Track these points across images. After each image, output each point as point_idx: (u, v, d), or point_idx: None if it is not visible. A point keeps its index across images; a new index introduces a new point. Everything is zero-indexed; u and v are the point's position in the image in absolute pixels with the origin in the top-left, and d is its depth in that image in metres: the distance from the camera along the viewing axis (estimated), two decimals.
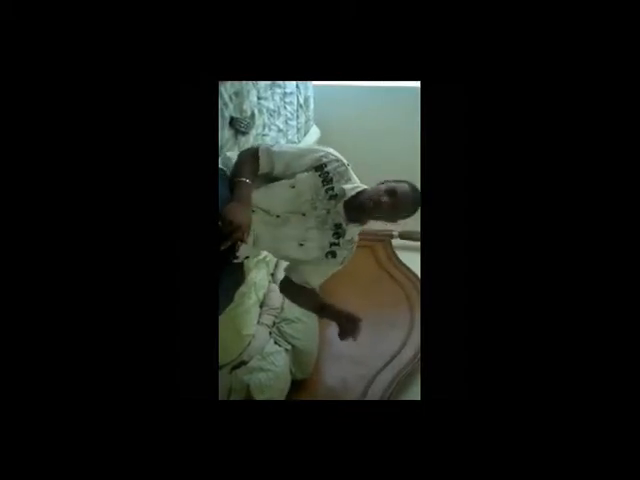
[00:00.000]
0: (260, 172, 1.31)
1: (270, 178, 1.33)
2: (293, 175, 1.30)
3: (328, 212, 1.32)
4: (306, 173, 1.30)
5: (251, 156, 1.31)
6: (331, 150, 1.35)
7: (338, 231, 1.34)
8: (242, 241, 1.14)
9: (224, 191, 1.29)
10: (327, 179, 1.30)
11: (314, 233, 1.33)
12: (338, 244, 1.35)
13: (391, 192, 1.27)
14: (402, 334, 2.30)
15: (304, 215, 1.31)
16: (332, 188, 1.30)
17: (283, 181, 1.31)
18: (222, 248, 1.11)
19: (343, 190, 1.30)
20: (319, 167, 1.30)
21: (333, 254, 1.36)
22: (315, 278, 1.43)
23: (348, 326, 1.34)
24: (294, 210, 1.31)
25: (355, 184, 1.34)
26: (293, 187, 1.29)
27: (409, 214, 1.34)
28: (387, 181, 1.33)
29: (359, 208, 1.30)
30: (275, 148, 1.33)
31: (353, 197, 1.31)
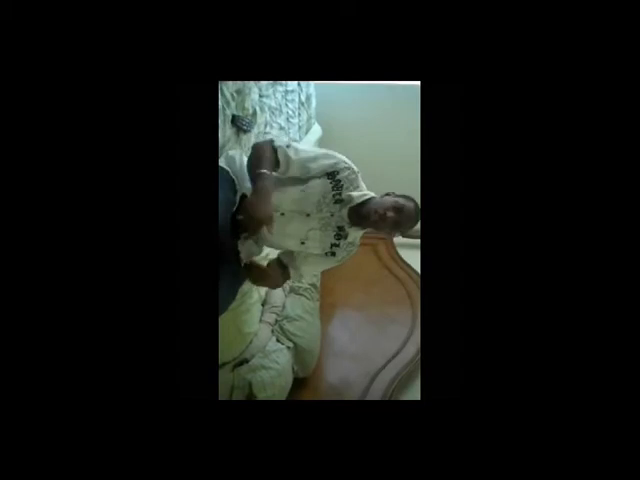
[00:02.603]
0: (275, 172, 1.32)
1: (283, 180, 1.34)
2: (307, 179, 1.32)
3: (332, 215, 1.33)
4: (318, 180, 1.32)
5: (268, 149, 1.30)
6: (344, 158, 1.36)
7: (340, 233, 1.36)
8: (268, 231, 1.18)
9: (226, 191, 1.29)
10: (337, 186, 1.32)
11: (316, 233, 1.35)
12: (338, 245, 1.38)
13: (398, 209, 1.29)
14: (404, 331, 2.31)
15: (308, 216, 1.33)
16: (340, 193, 1.32)
17: (295, 186, 1.33)
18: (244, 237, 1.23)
19: (350, 197, 1.32)
20: (331, 174, 1.32)
21: (333, 254, 1.39)
22: (308, 268, 1.45)
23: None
24: (299, 210, 1.32)
25: (363, 192, 1.36)
26: (303, 191, 1.31)
27: (406, 231, 1.36)
28: (393, 193, 1.35)
29: (364, 216, 1.32)
30: (291, 152, 1.32)
31: (359, 204, 1.33)
